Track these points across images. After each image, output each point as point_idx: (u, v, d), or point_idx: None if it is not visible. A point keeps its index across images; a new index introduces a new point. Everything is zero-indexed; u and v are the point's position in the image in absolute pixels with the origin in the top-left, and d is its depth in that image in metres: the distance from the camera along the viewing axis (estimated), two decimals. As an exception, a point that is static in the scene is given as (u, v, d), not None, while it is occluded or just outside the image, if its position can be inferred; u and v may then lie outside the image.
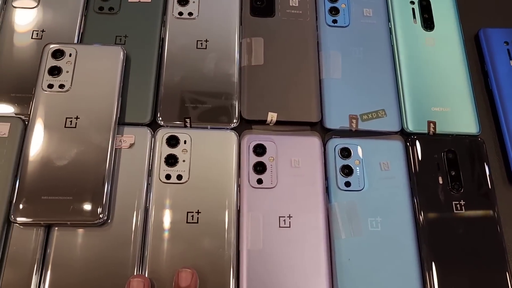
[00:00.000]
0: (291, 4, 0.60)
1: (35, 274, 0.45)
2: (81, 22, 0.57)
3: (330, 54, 0.58)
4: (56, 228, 0.47)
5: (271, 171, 0.51)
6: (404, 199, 0.52)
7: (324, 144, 0.54)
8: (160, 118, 0.53)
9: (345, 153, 0.53)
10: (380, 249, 0.49)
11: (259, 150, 0.52)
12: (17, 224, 0.46)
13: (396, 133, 0.55)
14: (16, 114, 0.51)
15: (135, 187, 0.49)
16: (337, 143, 0.53)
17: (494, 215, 0.51)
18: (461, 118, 0.56)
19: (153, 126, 0.53)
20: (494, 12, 0.65)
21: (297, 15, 0.60)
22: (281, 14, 0.60)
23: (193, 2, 0.59)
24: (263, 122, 0.54)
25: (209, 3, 0.59)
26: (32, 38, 0.55)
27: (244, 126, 0.54)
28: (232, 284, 0.46)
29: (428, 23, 0.61)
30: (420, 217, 0.51)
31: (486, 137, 0.57)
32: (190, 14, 0.58)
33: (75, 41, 0.56)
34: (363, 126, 0.55)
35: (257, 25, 0.59)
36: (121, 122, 0.52)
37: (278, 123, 0.54)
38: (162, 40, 0.57)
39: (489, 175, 0.53)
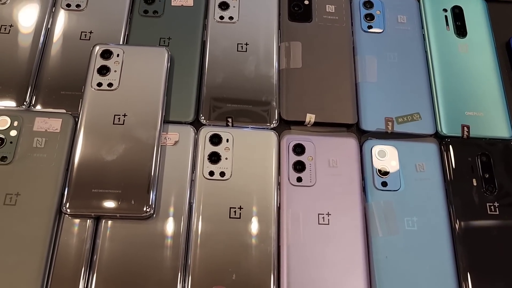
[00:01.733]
0: (327, 10, 0.62)
1: (84, 263, 0.47)
2: (126, 25, 0.59)
3: (366, 59, 0.60)
4: (104, 221, 0.49)
5: (310, 170, 0.53)
6: (439, 200, 0.53)
7: (361, 145, 0.55)
8: (203, 117, 0.55)
9: (381, 154, 0.54)
10: (417, 248, 0.50)
11: (298, 149, 0.54)
12: (68, 215, 0.48)
13: (430, 136, 0.57)
14: (67, 111, 0.53)
15: (179, 183, 0.51)
16: (372, 144, 0.55)
17: (528, 218, 0.53)
18: (494, 122, 0.57)
19: (196, 124, 0.55)
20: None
21: (334, 21, 0.62)
22: (318, 19, 0.61)
23: (234, 6, 0.61)
24: (301, 123, 0.56)
25: (249, 8, 0.61)
26: (80, 39, 0.58)
27: (283, 126, 0.56)
28: (272, 279, 0.48)
29: (460, 30, 0.62)
30: (455, 218, 0.52)
31: (514, 140, 0.58)
32: (231, 18, 0.60)
33: (121, 42, 0.58)
34: (398, 128, 0.56)
35: (295, 29, 0.61)
36: (166, 120, 0.54)
37: (315, 124, 0.56)
38: (204, 43, 0.59)
39: (524, 178, 0.55)
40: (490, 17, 0.64)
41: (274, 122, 0.55)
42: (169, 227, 0.49)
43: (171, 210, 0.50)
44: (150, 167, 0.50)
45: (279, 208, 0.51)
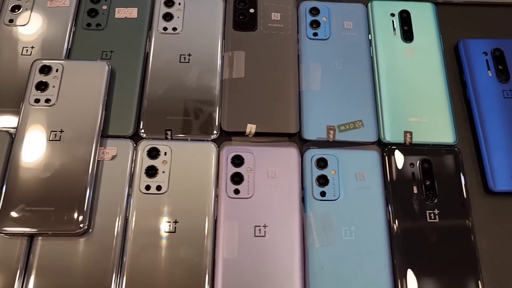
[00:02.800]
0: (273, 18, 0.62)
1: (18, 281, 0.47)
2: (69, 38, 0.59)
3: (310, 67, 0.59)
4: (39, 238, 0.49)
5: (248, 182, 0.53)
6: (379, 209, 0.53)
7: (302, 155, 0.55)
8: (142, 131, 0.55)
9: (322, 163, 0.54)
10: (354, 258, 0.50)
11: (237, 161, 0.54)
12: (1, 234, 0.49)
13: (373, 143, 0.56)
14: (3, 128, 0.53)
15: (116, 198, 0.51)
16: (313, 153, 0.55)
17: (468, 225, 0.52)
18: (438, 128, 0.57)
19: (136, 138, 0.55)
20: (474, 23, 0.65)
21: (279, 29, 0.61)
22: (263, 28, 0.61)
23: (178, 17, 0.61)
24: (242, 134, 0.56)
25: (193, 18, 0.61)
26: (22, 54, 0.58)
27: (225, 138, 0.56)
28: (207, 292, 0.48)
29: (407, 35, 0.62)
30: (394, 226, 0.52)
31: (463, 147, 0.58)
32: (174, 29, 0.60)
33: (63, 56, 0.58)
34: (340, 136, 0.56)
35: (239, 39, 0.61)
36: (105, 134, 0.54)
37: (257, 134, 0.56)
38: (147, 55, 0.59)
39: (464, 185, 0.54)
40: (439, 21, 0.64)
41: (214, 133, 0.55)
42: (105, 243, 0.49)
43: (107, 225, 0.50)
44: (85, 183, 0.50)
45: (216, 221, 0.51)
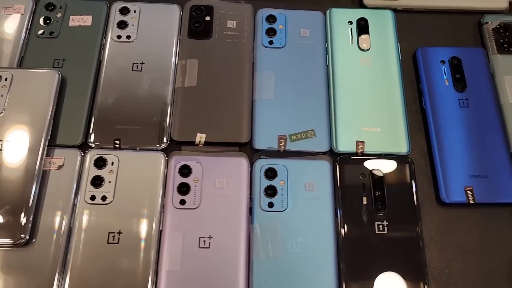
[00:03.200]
0: (228, 26, 0.61)
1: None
2: (22, 47, 0.59)
3: (263, 75, 0.59)
4: (-18, 248, 0.49)
5: (195, 192, 0.52)
6: (327, 220, 0.52)
7: (252, 165, 0.55)
8: (91, 140, 0.55)
9: (270, 173, 0.54)
10: (299, 270, 0.50)
11: (184, 171, 0.53)
12: None
13: (325, 153, 0.56)
14: None
15: (61, 208, 0.51)
16: (263, 163, 0.54)
17: (417, 237, 0.52)
18: (391, 138, 0.56)
19: (85, 148, 0.55)
20: (434, 31, 0.65)
21: (234, 37, 0.61)
22: (218, 36, 0.61)
23: (132, 25, 0.61)
24: (193, 143, 0.55)
25: (148, 26, 0.61)
26: (-27, 63, 0.57)
27: (175, 147, 0.56)
28: (149, 304, 0.47)
29: (364, 44, 0.61)
30: (342, 238, 0.51)
31: (417, 157, 0.57)
32: (128, 37, 0.60)
33: (15, 65, 0.58)
34: (291, 146, 0.55)
35: (193, 47, 0.60)
36: (53, 144, 0.54)
37: (207, 144, 0.55)
38: (100, 63, 0.59)
39: (415, 196, 0.53)
40: (398, 28, 0.63)
41: (164, 143, 0.55)
42: (48, 253, 0.49)
43: (51, 236, 0.50)
44: (28, 193, 0.50)
45: (161, 232, 0.51)
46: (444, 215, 0.55)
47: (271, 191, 0.53)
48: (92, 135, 0.55)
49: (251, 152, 0.56)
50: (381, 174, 0.54)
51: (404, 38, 0.63)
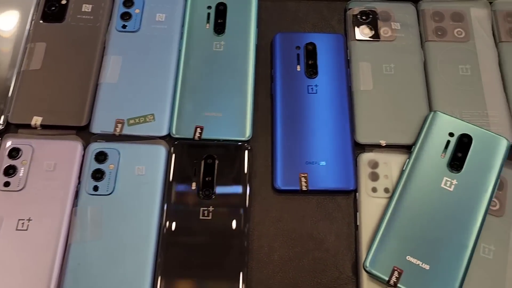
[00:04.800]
0: (83, 10, 0.61)
1: None
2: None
3: (111, 59, 0.58)
4: None
5: (21, 174, 0.52)
6: (153, 206, 0.52)
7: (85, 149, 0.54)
8: None
9: (101, 157, 0.53)
10: (115, 254, 0.49)
11: (14, 153, 0.53)
12: None
13: (163, 138, 0.55)
14: None
15: None
16: (96, 147, 0.54)
17: (242, 223, 0.51)
18: (232, 123, 0.56)
19: None
20: (303, 17, 0.64)
21: (87, 21, 0.60)
22: (71, 19, 0.60)
23: (-12, 8, 0.60)
24: (29, 126, 0.55)
25: (2, 10, 0.60)
26: None
27: (13, 130, 0.55)
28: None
29: (220, 28, 0.60)
30: (165, 223, 0.51)
31: (261, 143, 0.56)
32: (-19, 20, 0.60)
33: None
34: (128, 130, 0.55)
35: (45, 30, 0.60)
36: None
37: (45, 127, 0.55)
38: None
39: (248, 182, 0.53)
40: (259, 14, 0.62)
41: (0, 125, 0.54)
42: None
43: None
44: None
45: (-19, 214, 0.50)
46: (279, 202, 0.54)
47: (98, 175, 0.52)
48: None
49: (90, 136, 0.55)
50: (213, 160, 0.53)
51: (270, 25, 0.62)
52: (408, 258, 0.48)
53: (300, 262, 0.51)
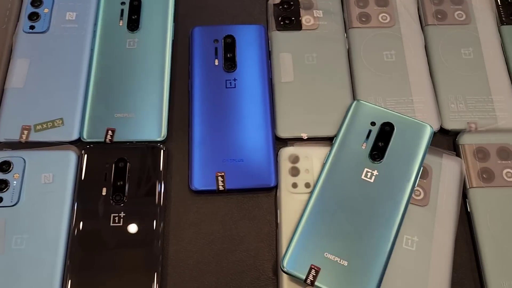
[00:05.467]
0: (-8, 12, 0.58)
1: None
2: None
3: (17, 62, 0.55)
4: None
5: None
6: (61, 214, 0.49)
7: (-10, 158, 0.51)
8: None
9: (5, 167, 0.50)
10: (19, 268, 0.47)
11: None
12: None
13: (74, 142, 0.52)
14: None
15: None
16: (0, 156, 0.51)
17: (156, 227, 0.49)
18: (146, 124, 0.53)
19: None
20: (226, 10, 0.61)
21: (-7, 23, 0.57)
22: (-24, 22, 0.57)
23: None
24: None
25: None
26: None
27: None
28: None
29: (134, 24, 0.58)
30: (73, 233, 0.48)
31: (177, 143, 0.54)
32: None
33: None
34: (36, 137, 0.52)
35: None
36: None
37: None
38: None
39: (163, 184, 0.50)
40: (177, 9, 0.59)
41: None
42: None
43: None
44: None
45: None
46: (196, 204, 0.52)
47: (2, 185, 0.50)
48: None
49: (-4, 144, 0.52)
50: (125, 163, 0.51)
51: (189, 19, 0.60)
52: (326, 255, 0.46)
53: (218, 265, 0.49)
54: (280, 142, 0.53)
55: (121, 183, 0.50)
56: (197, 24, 0.59)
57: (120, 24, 0.58)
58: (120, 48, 0.57)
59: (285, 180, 0.51)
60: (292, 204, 0.50)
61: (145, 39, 0.57)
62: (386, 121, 0.51)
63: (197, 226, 0.50)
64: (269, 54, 0.58)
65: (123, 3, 0.59)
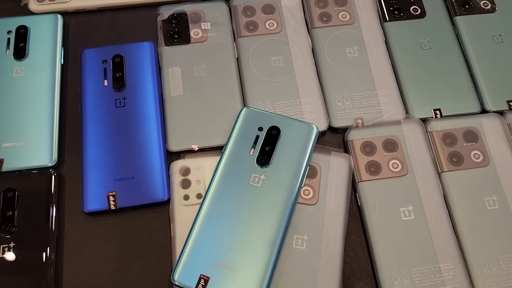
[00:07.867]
0: None
1: None
2: None
3: None
4: None
5: None
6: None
7: None
8: None
9: None
10: None
11: None
12: None
13: (-37, 177, 0.52)
14: None
15: None
16: None
17: (46, 255, 0.48)
18: (35, 150, 0.53)
19: None
20: (108, 29, 0.62)
21: None
22: None
23: None
24: None
25: None
26: None
27: None
28: None
29: (21, 52, 0.58)
30: (-39, 269, 0.47)
31: (70, 166, 0.54)
32: None
33: None
34: None
35: None
36: None
37: None
38: None
39: (54, 210, 0.50)
40: (67, 33, 0.60)
41: None
42: None
43: None
44: None
45: None
46: (92, 226, 0.51)
47: None
48: None
49: None
50: (13, 192, 0.50)
51: (76, 41, 0.60)
52: (216, 263, 0.46)
53: (115, 284, 0.49)
54: (172, 156, 0.54)
55: (10, 213, 0.50)
56: (89, 47, 0.59)
57: (7, 53, 0.58)
58: (7, 77, 0.56)
59: (177, 193, 0.51)
60: (185, 216, 0.50)
61: (32, 66, 0.57)
62: (272, 125, 0.53)
63: (92, 248, 0.50)
64: (159, 70, 0.58)
65: (9, 32, 0.59)
